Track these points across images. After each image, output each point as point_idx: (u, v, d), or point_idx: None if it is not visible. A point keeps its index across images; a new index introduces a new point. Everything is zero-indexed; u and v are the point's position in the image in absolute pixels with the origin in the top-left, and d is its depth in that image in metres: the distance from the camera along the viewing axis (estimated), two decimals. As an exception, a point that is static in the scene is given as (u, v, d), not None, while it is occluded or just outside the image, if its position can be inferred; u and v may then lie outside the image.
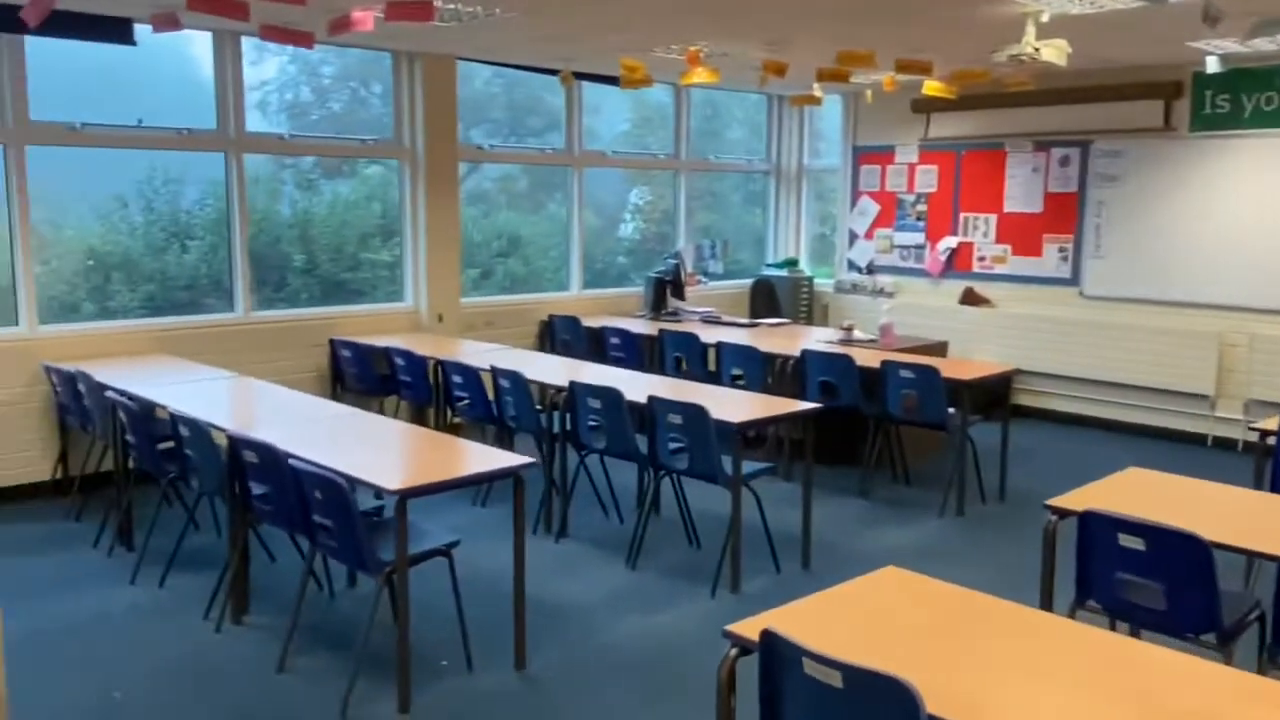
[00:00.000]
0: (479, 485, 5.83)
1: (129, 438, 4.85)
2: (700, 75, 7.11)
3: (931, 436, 6.58)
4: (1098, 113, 7.90)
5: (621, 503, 5.81)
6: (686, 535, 5.36)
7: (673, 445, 4.80)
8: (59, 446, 5.98)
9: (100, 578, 4.79)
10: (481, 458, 3.95)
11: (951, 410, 5.86)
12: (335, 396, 6.98)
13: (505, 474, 3.77)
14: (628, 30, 6.20)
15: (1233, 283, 7.36)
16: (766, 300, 9.42)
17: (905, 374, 5.94)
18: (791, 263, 9.84)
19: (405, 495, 3.41)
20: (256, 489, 3.99)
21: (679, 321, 8.20)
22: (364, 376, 6.79)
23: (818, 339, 7.28)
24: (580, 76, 8.06)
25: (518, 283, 8.56)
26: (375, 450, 4.14)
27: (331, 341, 6.95)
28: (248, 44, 6.66)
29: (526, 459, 3.81)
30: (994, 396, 6.62)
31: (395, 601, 3.52)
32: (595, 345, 7.81)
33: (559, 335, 8.11)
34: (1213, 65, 6.42)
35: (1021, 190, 8.47)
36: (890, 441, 6.54)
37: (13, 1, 5.20)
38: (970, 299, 8.78)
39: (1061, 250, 8.27)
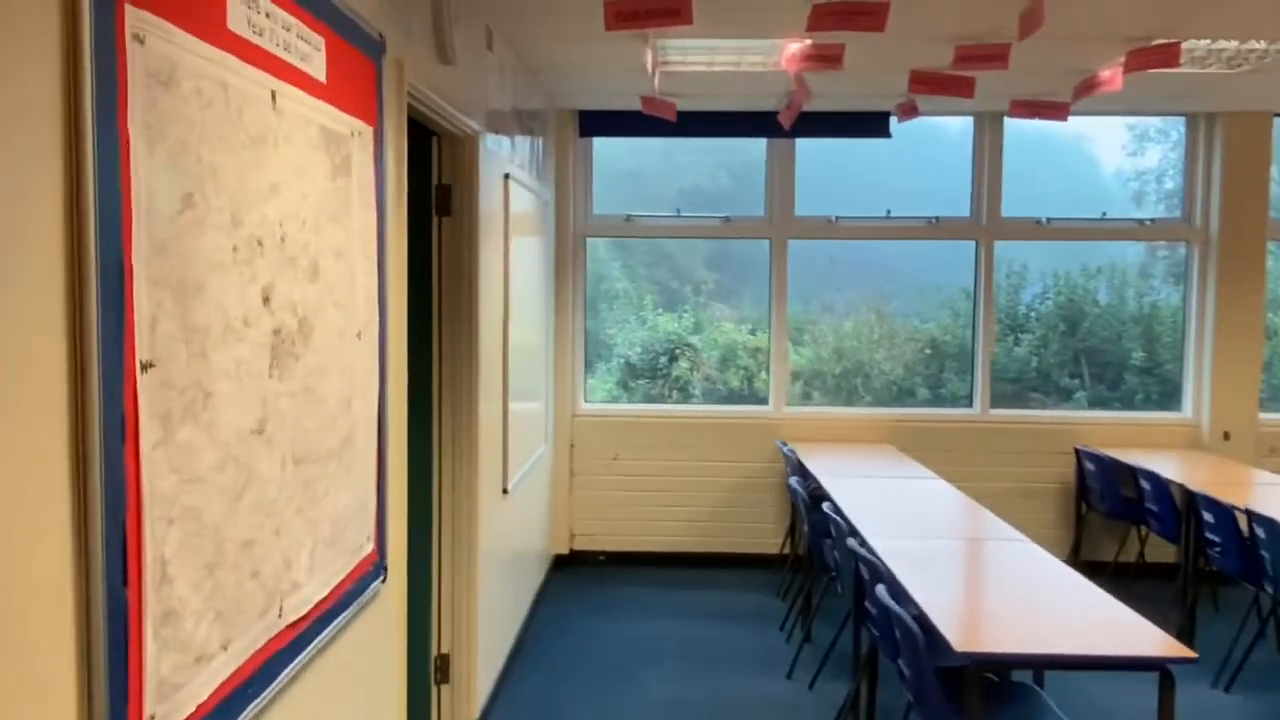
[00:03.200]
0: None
1: (804, 526, 4.81)
2: None
3: None
4: None
5: None
6: None
7: None
8: (789, 522, 6.26)
9: (767, 662, 4.80)
10: (1124, 634, 2.89)
11: None
12: (1079, 517, 6.09)
13: (1141, 664, 2.69)
14: None
15: None
16: None
17: None
18: None
19: (976, 662, 2.64)
20: (871, 609, 3.55)
21: None
22: (1108, 496, 5.74)
23: None
24: None
25: None
26: (1000, 594, 3.35)
27: (1077, 451, 6.05)
28: (1128, 134, 6.50)
29: (1181, 653, 2.67)
30: None
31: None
32: None
33: None
34: None
35: None
36: None
37: (770, 109, 5.69)
38: None
39: None
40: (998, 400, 6.40)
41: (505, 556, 4.55)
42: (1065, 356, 6.61)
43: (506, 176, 4.31)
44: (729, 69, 4.96)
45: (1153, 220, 6.24)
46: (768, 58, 4.72)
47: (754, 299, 6.76)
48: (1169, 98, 5.64)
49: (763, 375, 6.61)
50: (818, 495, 4.70)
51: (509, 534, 4.61)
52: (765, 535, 6.27)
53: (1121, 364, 6.58)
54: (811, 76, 5.08)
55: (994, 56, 4.16)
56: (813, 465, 5.32)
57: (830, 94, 5.61)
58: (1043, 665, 2.77)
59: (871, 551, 3.61)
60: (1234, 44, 4.37)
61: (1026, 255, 6.57)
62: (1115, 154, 6.80)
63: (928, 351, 6.64)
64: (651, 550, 6.33)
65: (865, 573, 3.50)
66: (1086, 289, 6.69)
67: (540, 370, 5.46)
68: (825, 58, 4.20)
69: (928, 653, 2.84)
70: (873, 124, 6.01)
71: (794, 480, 4.88)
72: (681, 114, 5.80)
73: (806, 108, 5.72)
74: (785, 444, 5.95)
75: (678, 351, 6.72)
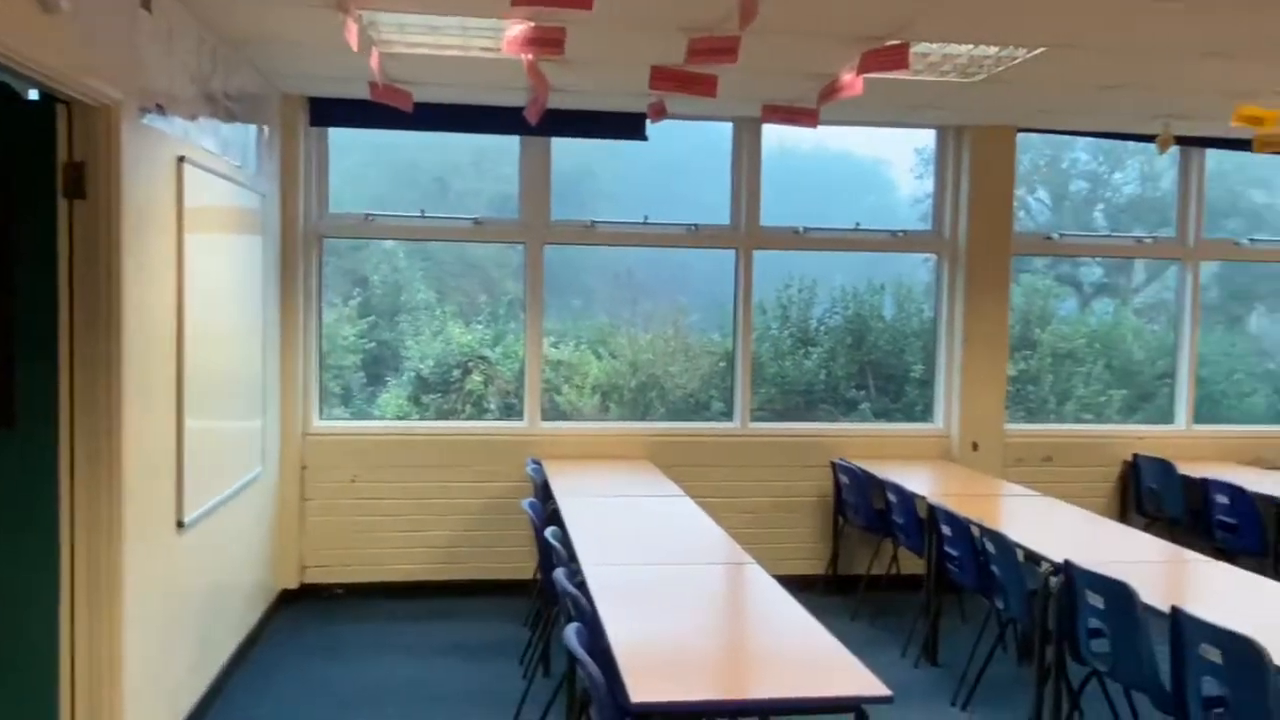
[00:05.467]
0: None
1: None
2: (1379, 121, 4.84)
3: None
4: None
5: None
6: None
7: (1208, 691, 2.89)
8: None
9: (497, 701, 4.37)
10: (824, 673, 2.63)
11: None
12: (836, 530, 6.00)
13: (835, 706, 2.43)
14: (1227, 58, 4.32)
15: None
16: None
17: None
18: None
19: (646, 712, 2.31)
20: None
21: (1347, 481, 5.60)
22: (861, 509, 5.66)
23: None
24: (1198, 142, 6.09)
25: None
26: (710, 630, 3.07)
27: (833, 464, 5.95)
28: (916, 157, 6.68)
29: (875, 691, 2.42)
30: None
31: None
32: (1198, 504, 5.64)
33: (1145, 484, 6.05)
34: None
35: None
36: None
37: (515, 104, 5.33)
38: None
39: None
40: (789, 413, 6.40)
41: (185, 599, 3.93)
42: (852, 369, 6.63)
43: (181, 160, 3.73)
44: (458, 53, 4.56)
45: (905, 232, 6.25)
46: (496, 41, 4.34)
47: (559, 310, 6.47)
48: (916, 108, 5.63)
49: (564, 390, 6.28)
50: (546, 514, 4.34)
51: (192, 572, 4.00)
52: (518, 560, 5.83)
53: (904, 377, 6.63)
54: (556, 71, 4.77)
55: (724, 50, 3.91)
56: (557, 485, 4.96)
57: (582, 91, 5.32)
58: (728, 713, 2.47)
59: (581, 582, 3.26)
60: (965, 49, 4.32)
61: (819, 270, 6.58)
62: (907, 176, 6.89)
63: (723, 365, 6.44)
64: (395, 580, 5.80)
65: (570, 607, 3.14)
66: (873, 304, 6.74)
67: (251, 384, 4.85)
68: (546, 41, 3.85)
69: (611, 701, 2.50)
70: (627, 125, 5.74)
71: (528, 502, 4.49)
72: (428, 106, 5.38)
73: (559, 105, 5.42)
74: (535, 462, 5.57)
75: (471, 365, 6.29)
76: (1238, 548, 5.22)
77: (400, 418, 6.22)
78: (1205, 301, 6.57)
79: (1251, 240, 6.52)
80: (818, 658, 2.70)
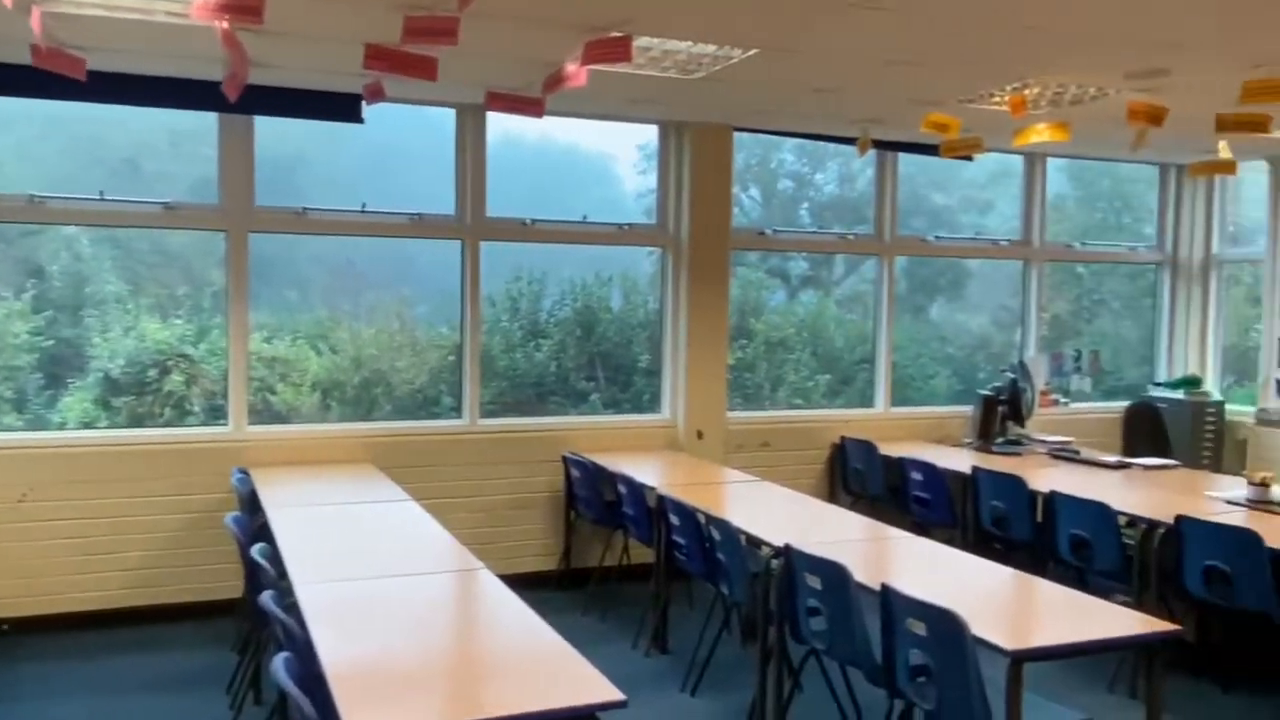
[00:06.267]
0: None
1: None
2: (1041, 133, 5.38)
3: None
4: None
5: (874, 721, 4.06)
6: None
7: (915, 662, 3.08)
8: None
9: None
10: (560, 682, 2.53)
11: None
12: (569, 525, 5.95)
13: (563, 717, 2.34)
14: (917, 67, 4.64)
15: None
16: (1149, 432, 7.09)
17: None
18: (1191, 382, 7.40)
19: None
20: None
21: (1017, 455, 6.25)
22: (592, 502, 5.65)
23: (1216, 494, 5.04)
24: (892, 146, 6.56)
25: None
26: (435, 649, 2.89)
27: (564, 458, 5.91)
28: (639, 154, 6.65)
29: (609, 696, 2.35)
30: None
31: None
32: (897, 481, 6.08)
33: (851, 464, 6.47)
34: None
35: None
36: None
37: (213, 78, 4.85)
38: None
39: None
40: (520, 407, 6.29)
41: None
42: (582, 360, 6.65)
43: None
44: (139, 17, 4.05)
45: (630, 225, 6.31)
46: (184, 6, 3.89)
47: (272, 303, 6.00)
48: (638, 102, 5.67)
49: (280, 388, 5.83)
50: (255, 529, 3.97)
51: None
52: (225, 579, 5.31)
53: (631, 368, 6.70)
54: (257, 43, 4.37)
55: (442, 31, 3.71)
56: (267, 495, 4.57)
57: (289, 68, 4.92)
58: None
59: (292, 604, 2.98)
60: (685, 46, 4.37)
61: (548, 262, 6.54)
62: (630, 171, 6.96)
63: (451, 358, 6.20)
64: (78, 610, 5.14)
65: (280, 633, 2.85)
66: (601, 296, 6.76)
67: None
68: (241, 8, 3.47)
69: (325, 738, 2.27)
70: (341, 106, 5.38)
71: (232, 517, 4.09)
72: (107, 76, 4.79)
73: (263, 81, 4.99)
74: (243, 471, 5.11)
75: (170, 364, 5.65)
76: (932, 520, 5.68)
77: (87, 423, 5.54)
78: (895, 293, 7.12)
79: (936, 237, 7.16)
80: (550, 666, 2.60)
